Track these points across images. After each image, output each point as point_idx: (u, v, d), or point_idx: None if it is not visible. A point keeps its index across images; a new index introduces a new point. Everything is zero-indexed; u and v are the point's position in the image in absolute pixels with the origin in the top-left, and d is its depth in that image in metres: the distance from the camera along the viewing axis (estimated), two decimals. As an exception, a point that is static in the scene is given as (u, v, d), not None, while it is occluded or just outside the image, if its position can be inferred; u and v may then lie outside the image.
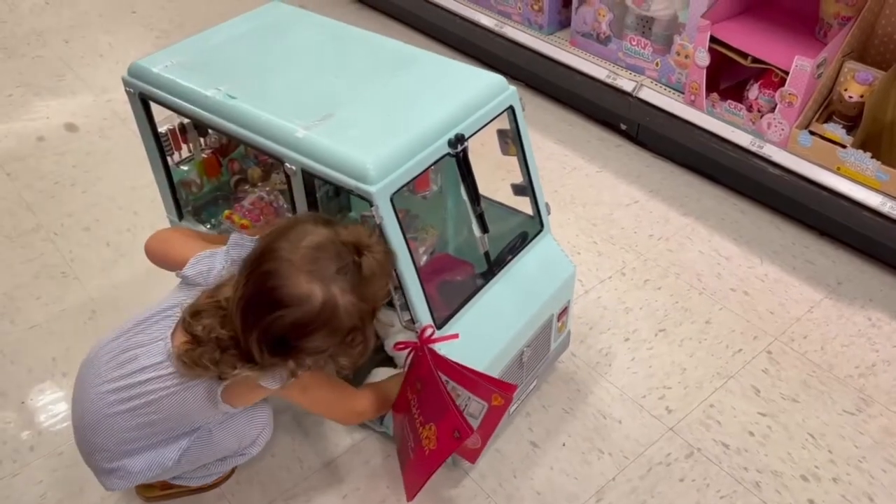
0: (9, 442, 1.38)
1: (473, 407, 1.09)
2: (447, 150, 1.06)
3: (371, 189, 0.98)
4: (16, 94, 2.35)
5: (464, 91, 1.13)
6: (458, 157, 1.08)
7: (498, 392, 1.06)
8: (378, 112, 1.10)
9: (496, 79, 1.16)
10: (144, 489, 1.27)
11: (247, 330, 0.96)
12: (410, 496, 1.18)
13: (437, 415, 1.08)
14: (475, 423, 1.09)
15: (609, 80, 2.03)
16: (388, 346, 1.41)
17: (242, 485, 1.31)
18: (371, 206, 0.99)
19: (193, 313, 1.01)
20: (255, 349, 0.96)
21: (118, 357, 1.07)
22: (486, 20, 2.29)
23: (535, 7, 2.17)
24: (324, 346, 0.97)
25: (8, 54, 2.56)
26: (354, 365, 1.02)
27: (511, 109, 1.16)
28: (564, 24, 2.20)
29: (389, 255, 1.02)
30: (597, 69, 2.06)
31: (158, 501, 1.28)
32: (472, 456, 1.23)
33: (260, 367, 0.99)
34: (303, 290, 0.93)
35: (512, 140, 1.20)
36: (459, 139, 1.06)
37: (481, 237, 1.16)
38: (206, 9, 2.82)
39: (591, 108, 2.17)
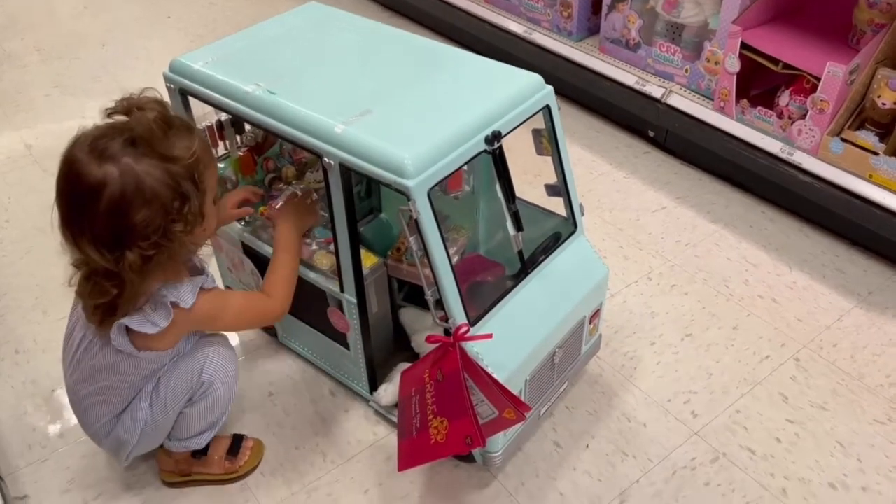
0: (38, 429, 1.41)
1: (484, 409, 1.09)
2: (484, 146, 1.08)
3: (409, 183, 1.00)
4: (53, 94, 2.41)
5: (500, 89, 1.14)
6: (495, 154, 1.09)
7: (513, 407, 1.07)
8: (415, 109, 1.12)
9: (533, 78, 1.18)
10: (165, 474, 1.30)
11: (80, 243, 0.98)
12: (402, 468, 1.17)
13: (454, 414, 1.08)
14: (479, 422, 1.09)
15: (638, 87, 2.04)
16: (416, 342, 1.42)
17: (266, 476, 1.32)
18: (408, 200, 1.00)
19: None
20: (96, 256, 0.97)
21: (67, 350, 1.17)
22: (515, 26, 2.31)
23: (565, 14, 2.19)
24: (149, 220, 0.96)
25: (45, 56, 2.62)
26: (193, 232, 1.02)
27: (547, 108, 1.17)
28: (593, 30, 2.21)
29: (169, 109, 1.03)
30: (626, 75, 2.07)
31: (180, 487, 1.30)
32: None
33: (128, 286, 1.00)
34: (98, 175, 0.95)
35: (547, 139, 1.21)
36: (496, 136, 1.08)
37: (515, 235, 1.17)
38: (240, 14, 2.86)
39: (620, 114, 2.17)
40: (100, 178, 0.95)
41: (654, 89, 2.01)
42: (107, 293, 1.01)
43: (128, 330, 1.06)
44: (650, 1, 1.99)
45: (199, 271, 1.16)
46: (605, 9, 2.07)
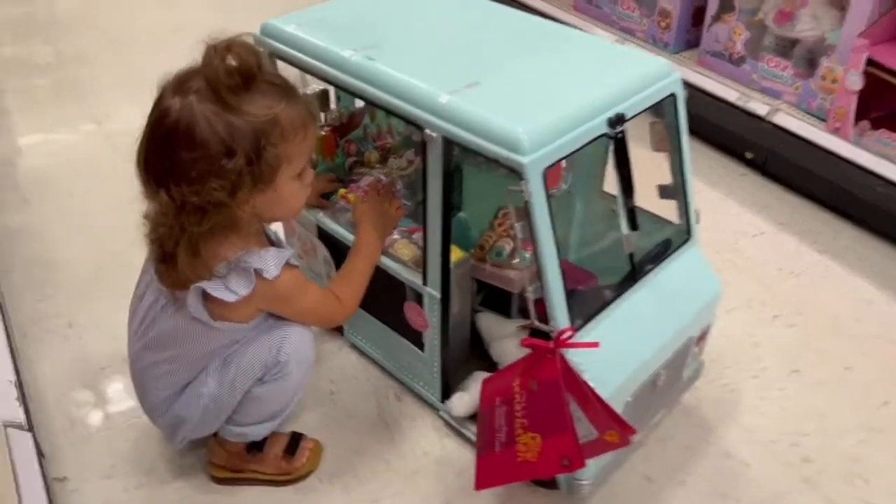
0: (84, 407, 1.32)
1: (581, 428, 0.96)
2: (605, 129, 0.95)
3: (523, 160, 0.88)
4: (125, 87, 2.38)
5: (624, 70, 1.03)
6: (617, 139, 0.97)
7: (616, 430, 0.94)
8: (529, 84, 1.01)
9: (659, 62, 1.06)
10: (215, 468, 1.19)
11: (140, 170, 0.95)
12: (480, 486, 1.04)
13: (549, 429, 0.95)
14: None
15: (740, 103, 1.90)
16: (496, 351, 1.29)
17: (324, 482, 1.20)
18: (521, 179, 0.89)
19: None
20: (146, 187, 0.95)
21: (134, 316, 1.09)
22: (605, 36, 2.19)
23: (663, 24, 2.07)
24: (192, 164, 0.91)
25: (115, 49, 2.61)
26: (234, 195, 0.92)
27: (672, 97, 1.05)
28: (692, 43, 2.08)
29: (263, 58, 0.96)
30: (726, 90, 1.93)
31: (229, 484, 1.19)
32: None
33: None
34: (166, 104, 0.93)
35: (667, 132, 1.09)
36: (620, 119, 0.96)
37: (628, 236, 1.04)
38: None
39: (716, 132, 2.02)
40: (165, 108, 0.92)
41: (759, 106, 1.86)
42: (156, 230, 0.96)
43: (205, 296, 0.97)
44: (759, 13, 1.86)
45: (279, 245, 1.06)
46: (708, 19, 1.94)
